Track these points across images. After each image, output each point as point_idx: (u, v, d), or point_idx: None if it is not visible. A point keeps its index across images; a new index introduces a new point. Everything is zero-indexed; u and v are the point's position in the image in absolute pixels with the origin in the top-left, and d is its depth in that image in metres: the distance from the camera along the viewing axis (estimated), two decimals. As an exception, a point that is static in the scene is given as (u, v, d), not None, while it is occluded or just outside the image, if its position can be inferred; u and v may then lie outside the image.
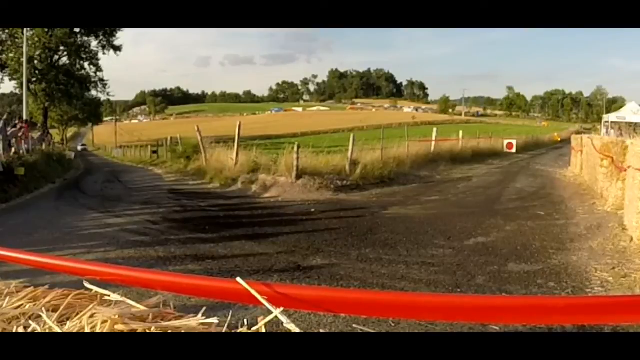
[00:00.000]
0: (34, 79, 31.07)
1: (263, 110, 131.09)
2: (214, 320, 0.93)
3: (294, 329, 0.88)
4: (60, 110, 37.69)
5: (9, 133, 12.63)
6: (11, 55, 31.14)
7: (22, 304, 1.04)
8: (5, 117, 14.37)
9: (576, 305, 0.88)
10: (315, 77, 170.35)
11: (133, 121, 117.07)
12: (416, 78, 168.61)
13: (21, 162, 11.52)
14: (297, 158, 10.58)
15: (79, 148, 45.03)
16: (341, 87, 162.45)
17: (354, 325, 2.40)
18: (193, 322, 0.93)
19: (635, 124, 24.32)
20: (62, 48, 33.65)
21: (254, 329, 0.92)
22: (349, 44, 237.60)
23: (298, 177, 10.49)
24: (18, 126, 14.41)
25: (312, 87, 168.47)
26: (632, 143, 6.56)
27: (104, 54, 35.95)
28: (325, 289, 1.10)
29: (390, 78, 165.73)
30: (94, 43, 35.46)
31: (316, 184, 10.34)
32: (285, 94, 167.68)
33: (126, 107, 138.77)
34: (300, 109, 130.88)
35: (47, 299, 1.06)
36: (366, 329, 1.14)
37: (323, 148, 12.74)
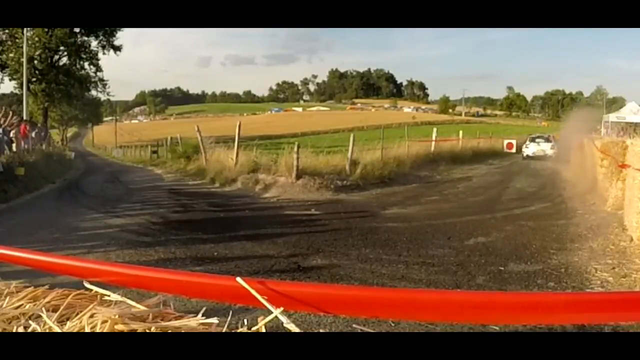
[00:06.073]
0: (33, 79, 30.97)
1: (263, 110, 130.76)
2: (214, 320, 0.93)
3: (294, 329, 0.88)
4: (60, 110, 37.57)
5: (3, 128, 12.54)
6: (11, 55, 31.03)
7: (22, 304, 1.04)
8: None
9: (577, 302, 0.88)
10: (315, 77, 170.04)
11: (133, 121, 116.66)
12: (416, 78, 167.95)
13: (21, 162, 11.51)
14: (297, 158, 10.58)
15: None
16: (341, 87, 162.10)
17: (354, 325, 2.40)
18: (193, 322, 0.93)
19: (636, 124, 24.35)
20: (62, 48, 33.53)
21: (254, 329, 0.91)
22: (349, 44, 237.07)
23: (298, 177, 10.49)
24: (10, 118, 14.18)
25: (312, 87, 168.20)
26: (632, 143, 6.57)
27: (104, 54, 35.80)
28: (326, 286, 1.10)
29: (390, 78, 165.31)
30: (94, 43, 35.32)
31: (316, 184, 10.34)
32: (285, 94, 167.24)
33: (126, 107, 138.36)
34: (300, 109, 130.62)
35: (47, 299, 1.06)
36: (366, 329, 1.14)
37: (323, 148, 12.75)
